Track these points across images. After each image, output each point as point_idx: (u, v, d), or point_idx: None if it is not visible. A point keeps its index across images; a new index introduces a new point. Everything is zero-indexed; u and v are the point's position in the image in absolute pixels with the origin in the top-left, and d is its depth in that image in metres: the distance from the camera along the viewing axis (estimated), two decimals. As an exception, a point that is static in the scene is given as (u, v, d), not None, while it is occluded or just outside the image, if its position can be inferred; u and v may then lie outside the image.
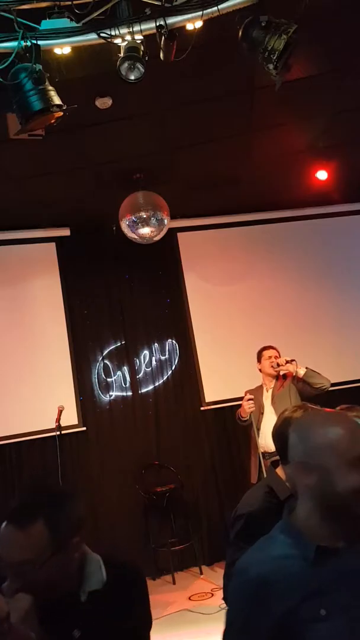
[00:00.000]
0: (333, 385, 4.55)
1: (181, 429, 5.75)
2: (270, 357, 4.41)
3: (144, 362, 5.89)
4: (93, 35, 2.66)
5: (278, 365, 4.33)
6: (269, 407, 4.29)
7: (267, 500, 1.96)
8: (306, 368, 4.23)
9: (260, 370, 4.49)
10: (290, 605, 1.14)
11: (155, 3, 2.61)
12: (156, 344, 5.93)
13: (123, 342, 5.85)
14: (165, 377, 5.89)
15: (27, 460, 5.36)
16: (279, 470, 2.03)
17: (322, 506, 1.19)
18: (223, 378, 5.71)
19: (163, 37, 2.61)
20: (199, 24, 2.69)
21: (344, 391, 5.57)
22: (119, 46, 2.67)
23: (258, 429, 4.26)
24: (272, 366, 4.36)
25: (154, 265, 5.94)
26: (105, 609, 1.32)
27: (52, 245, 5.76)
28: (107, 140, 4.30)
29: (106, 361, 5.78)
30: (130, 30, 2.64)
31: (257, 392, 4.40)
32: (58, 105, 2.59)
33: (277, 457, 4.15)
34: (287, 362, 4.28)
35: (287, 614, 1.14)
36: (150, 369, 5.88)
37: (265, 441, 4.21)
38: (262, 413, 4.29)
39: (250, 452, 4.40)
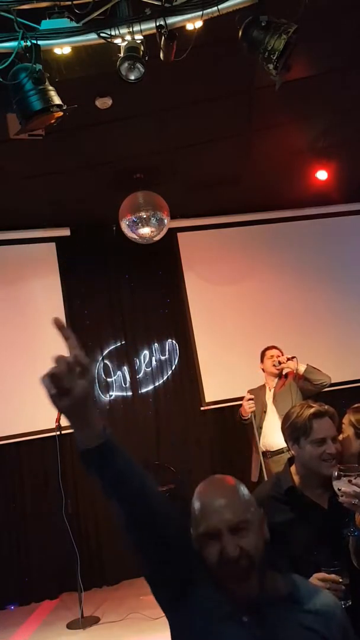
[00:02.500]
0: (335, 385, 4.55)
1: (181, 429, 5.74)
2: (272, 356, 4.42)
3: (144, 362, 5.89)
4: (93, 35, 2.66)
5: (279, 363, 4.34)
6: (271, 406, 4.30)
7: (274, 490, 2.00)
8: (306, 365, 4.24)
9: (263, 370, 4.50)
10: None
11: (155, 3, 2.61)
12: (156, 344, 5.93)
13: (123, 342, 5.85)
14: (165, 377, 5.89)
15: (27, 460, 5.36)
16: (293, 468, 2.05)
17: None
18: (223, 378, 5.70)
19: (163, 37, 2.61)
20: (199, 24, 2.69)
21: (345, 391, 5.57)
22: (119, 46, 2.67)
23: (260, 428, 4.27)
24: (273, 364, 4.37)
25: (154, 265, 5.94)
26: None
27: (52, 245, 5.76)
28: (107, 140, 4.30)
29: (106, 361, 5.78)
30: (130, 30, 2.64)
31: (259, 391, 4.41)
32: (58, 105, 2.59)
33: (279, 456, 4.17)
34: (288, 359, 4.30)
35: None
36: (150, 369, 5.88)
37: (267, 440, 4.21)
38: (265, 412, 4.31)
39: (252, 451, 4.40)
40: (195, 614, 1.24)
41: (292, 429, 2.00)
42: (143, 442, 5.60)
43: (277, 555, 1.35)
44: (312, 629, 1.25)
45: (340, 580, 1.64)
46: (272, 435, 4.13)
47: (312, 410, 1.96)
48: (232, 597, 1.24)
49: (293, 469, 2.02)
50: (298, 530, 1.84)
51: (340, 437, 2.07)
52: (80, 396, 1.13)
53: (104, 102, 3.73)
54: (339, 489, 1.68)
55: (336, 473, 1.71)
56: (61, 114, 2.63)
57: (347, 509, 1.71)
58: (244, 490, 1.35)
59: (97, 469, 1.19)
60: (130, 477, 1.20)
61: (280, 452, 4.04)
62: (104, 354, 5.78)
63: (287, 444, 2.06)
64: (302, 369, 4.22)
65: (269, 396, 4.38)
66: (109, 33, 2.64)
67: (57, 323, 1.14)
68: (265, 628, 1.21)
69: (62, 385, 1.11)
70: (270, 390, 4.41)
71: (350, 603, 1.64)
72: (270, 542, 1.33)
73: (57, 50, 2.69)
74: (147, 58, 2.64)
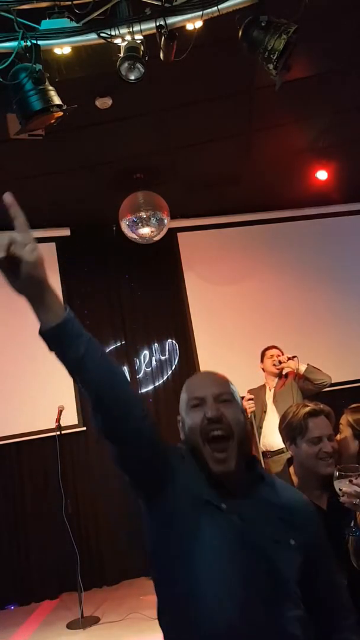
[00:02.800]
0: (336, 384, 4.54)
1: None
2: (272, 356, 4.42)
3: (144, 362, 5.89)
4: (93, 35, 2.66)
5: (280, 362, 4.33)
6: (271, 405, 4.30)
7: None
8: (307, 364, 4.24)
9: (263, 369, 4.49)
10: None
11: (155, 3, 2.61)
12: (156, 344, 5.93)
13: (123, 342, 5.85)
14: (165, 377, 5.89)
15: (27, 460, 5.36)
16: (292, 469, 2.04)
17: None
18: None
19: (163, 37, 2.62)
20: (199, 24, 2.69)
21: (345, 391, 5.57)
22: (119, 46, 2.67)
23: (260, 428, 4.26)
24: (273, 364, 4.36)
25: (154, 265, 5.94)
26: None
27: (52, 245, 5.76)
28: (107, 140, 4.30)
29: (106, 361, 5.77)
30: (130, 30, 2.65)
31: (259, 391, 4.40)
32: (58, 105, 2.59)
33: (279, 456, 4.15)
34: (288, 358, 4.29)
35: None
36: (150, 369, 5.87)
37: (267, 440, 4.21)
38: (265, 412, 4.30)
39: (252, 450, 4.40)
40: (173, 508, 1.28)
41: (289, 429, 2.00)
42: (143, 442, 5.60)
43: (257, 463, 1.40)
44: (286, 522, 1.30)
45: None
46: (272, 435, 4.13)
47: (307, 409, 1.97)
48: (212, 476, 1.28)
49: (292, 469, 2.02)
50: None
51: (338, 437, 2.06)
52: (29, 273, 1.12)
53: (104, 102, 3.73)
54: (340, 489, 1.68)
55: (337, 473, 1.71)
56: (61, 114, 2.64)
57: (346, 511, 1.71)
58: (232, 384, 1.44)
59: (58, 349, 1.18)
60: (92, 357, 1.20)
61: (280, 452, 4.03)
62: (104, 354, 5.77)
63: (284, 444, 2.06)
64: (302, 368, 4.22)
65: (269, 396, 4.37)
66: (109, 33, 2.64)
67: (6, 200, 1.14)
68: (242, 516, 1.26)
69: (11, 261, 1.10)
70: (270, 390, 4.40)
71: None
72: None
73: (57, 50, 2.70)
74: (147, 58, 2.64)
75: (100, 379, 1.19)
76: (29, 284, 1.13)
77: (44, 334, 1.16)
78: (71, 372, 1.21)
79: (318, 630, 1.30)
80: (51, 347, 1.17)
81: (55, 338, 1.16)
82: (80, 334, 1.20)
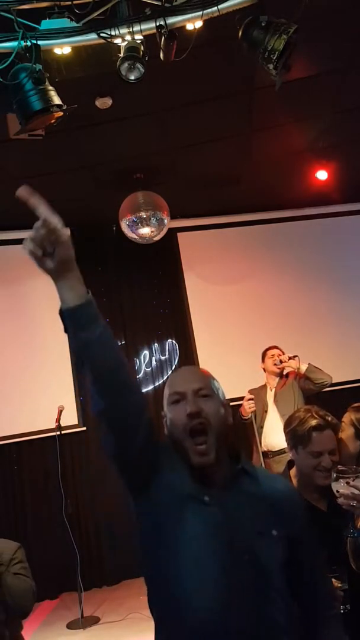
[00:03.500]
0: (336, 384, 4.54)
1: (181, 429, 5.74)
2: (273, 355, 4.42)
3: (144, 362, 5.89)
4: (93, 35, 2.66)
5: (281, 362, 4.34)
6: (272, 405, 4.29)
7: None
8: (308, 364, 4.24)
9: (264, 369, 4.49)
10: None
11: (155, 3, 2.61)
12: (156, 344, 5.93)
13: (123, 342, 5.85)
14: (165, 377, 5.88)
15: (27, 460, 5.36)
16: (292, 471, 2.03)
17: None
18: (223, 378, 5.63)
19: (163, 37, 2.62)
20: (199, 24, 2.69)
21: (345, 391, 5.57)
22: (119, 46, 2.67)
23: (261, 428, 4.27)
24: (274, 363, 4.37)
25: (154, 265, 5.94)
26: None
27: (52, 245, 5.76)
28: (107, 140, 4.30)
29: (106, 361, 5.78)
30: (130, 30, 2.65)
31: (260, 391, 4.40)
32: (58, 105, 2.59)
33: (280, 456, 4.15)
34: (289, 358, 4.29)
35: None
36: (150, 369, 5.87)
37: (268, 440, 4.21)
38: (266, 411, 4.30)
39: (252, 450, 4.40)
40: (160, 499, 1.31)
41: (292, 435, 1.99)
42: (143, 442, 5.59)
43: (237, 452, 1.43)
44: (269, 513, 1.32)
45: (339, 585, 1.64)
46: (273, 435, 4.13)
47: (314, 422, 1.93)
48: (193, 468, 1.32)
49: (293, 471, 2.02)
50: None
51: (339, 434, 2.05)
52: (63, 258, 1.22)
53: (104, 102, 3.73)
54: (337, 491, 1.68)
55: (334, 475, 1.70)
56: (61, 114, 2.64)
57: (346, 512, 1.71)
58: (214, 379, 1.51)
59: (75, 329, 1.23)
60: (105, 340, 1.27)
61: (281, 452, 4.03)
62: (104, 354, 5.77)
63: (287, 445, 2.05)
64: (303, 368, 4.22)
65: (270, 396, 4.37)
66: (109, 33, 2.64)
67: (21, 195, 1.20)
68: (225, 508, 1.29)
69: (45, 248, 1.19)
70: (271, 390, 4.40)
71: (349, 608, 1.64)
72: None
73: (57, 50, 2.69)
74: (147, 58, 2.64)
75: (107, 364, 1.25)
76: (61, 263, 1.22)
77: (64, 312, 1.22)
78: (80, 354, 1.25)
79: (304, 620, 1.34)
80: (68, 327, 1.22)
81: (74, 318, 1.22)
82: (98, 317, 1.26)
